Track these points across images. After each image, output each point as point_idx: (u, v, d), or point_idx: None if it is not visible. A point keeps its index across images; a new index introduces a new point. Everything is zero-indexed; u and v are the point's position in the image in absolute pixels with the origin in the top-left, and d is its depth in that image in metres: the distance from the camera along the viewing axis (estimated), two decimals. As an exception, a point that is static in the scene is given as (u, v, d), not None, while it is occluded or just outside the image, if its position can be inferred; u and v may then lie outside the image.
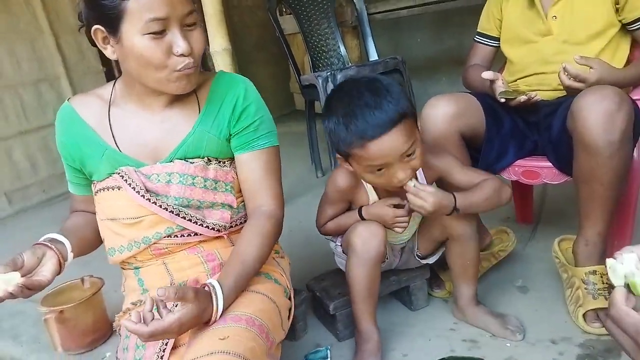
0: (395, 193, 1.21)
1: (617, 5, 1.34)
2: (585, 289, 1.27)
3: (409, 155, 1.07)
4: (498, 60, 1.63)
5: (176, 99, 1.06)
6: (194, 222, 1.04)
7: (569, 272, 1.34)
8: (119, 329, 1.12)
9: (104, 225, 1.09)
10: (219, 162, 1.08)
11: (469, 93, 1.45)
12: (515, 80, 1.48)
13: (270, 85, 4.70)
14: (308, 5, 2.77)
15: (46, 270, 0.98)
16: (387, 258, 1.34)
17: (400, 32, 3.73)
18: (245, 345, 0.86)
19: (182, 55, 0.93)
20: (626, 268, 0.71)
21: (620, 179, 1.19)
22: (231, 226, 1.10)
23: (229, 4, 4.37)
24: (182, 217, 1.03)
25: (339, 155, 1.16)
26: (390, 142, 1.03)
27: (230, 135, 1.07)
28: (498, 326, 1.28)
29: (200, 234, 1.06)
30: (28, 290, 0.94)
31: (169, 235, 1.04)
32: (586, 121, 1.14)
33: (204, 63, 4.00)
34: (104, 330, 1.53)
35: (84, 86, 3.28)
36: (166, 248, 1.06)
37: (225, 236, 1.09)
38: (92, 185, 1.11)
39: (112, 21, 0.92)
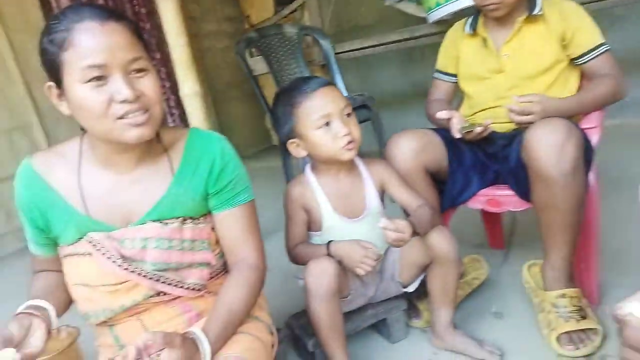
0: (349, 203, 1.34)
1: (563, 42, 1.43)
2: (556, 312, 1.30)
3: (348, 115, 1.27)
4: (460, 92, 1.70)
5: (146, 158, 1.03)
6: (173, 285, 1.02)
7: (539, 297, 1.38)
8: None
9: (75, 290, 1.04)
10: (194, 220, 1.06)
11: (431, 129, 1.51)
12: (474, 114, 1.55)
13: (246, 122, 4.77)
14: (276, 47, 2.85)
15: (36, 339, 0.90)
16: (351, 292, 1.35)
17: (369, 69, 3.85)
18: None
19: (125, 101, 0.88)
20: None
21: (578, 206, 1.24)
22: (210, 277, 1.08)
23: (201, 46, 4.46)
24: (162, 282, 1.00)
25: (292, 142, 1.31)
26: (330, 92, 1.26)
27: (208, 194, 1.06)
28: (476, 348, 1.31)
29: (179, 296, 1.04)
30: None
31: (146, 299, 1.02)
32: (538, 153, 1.20)
33: (179, 103, 4.04)
34: (80, 383, 1.48)
35: (58, 133, 3.27)
36: (142, 306, 1.03)
37: (205, 295, 1.07)
38: (59, 248, 1.06)
39: (56, 74, 0.90)
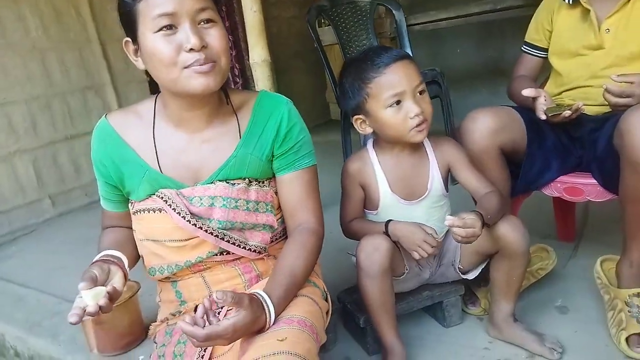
0: (408, 185, 1.28)
1: None
2: (629, 311, 1.21)
3: (420, 93, 1.18)
4: (546, 69, 1.59)
5: (216, 119, 1.05)
6: (237, 245, 1.04)
7: (611, 294, 1.29)
8: (154, 337, 1.14)
9: (144, 245, 1.08)
10: (259, 182, 1.09)
11: (511, 106, 1.41)
12: (560, 93, 1.44)
13: (307, 95, 4.75)
14: (347, 17, 2.78)
15: (116, 282, 0.95)
16: (407, 270, 1.30)
17: (440, 43, 3.69)
18: (303, 347, 0.87)
19: (192, 50, 0.90)
20: None
21: (671, 199, 1.13)
22: (271, 241, 1.11)
23: (268, 15, 4.44)
24: (226, 241, 1.03)
25: (357, 118, 1.24)
26: (404, 68, 1.17)
27: (273, 156, 1.08)
28: (536, 343, 1.24)
29: (241, 256, 1.07)
30: (109, 306, 0.91)
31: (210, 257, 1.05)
32: (635, 139, 1.09)
33: (243, 73, 4.09)
34: (138, 334, 1.55)
35: (128, 94, 3.40)
36: (205, 264, 1.07)
37: (265, 258, 1.10)
38: (130, 204, 1.11)
39: (131, 27, 0.94)
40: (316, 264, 1.22)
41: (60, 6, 3.11)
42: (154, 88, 1.07)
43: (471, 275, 1.35)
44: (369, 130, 1.26)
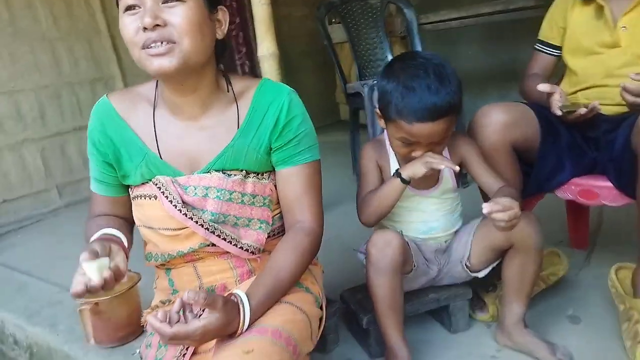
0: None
1: None
2: (646, 323, 1.16)
3: (436, 143, 1.16)
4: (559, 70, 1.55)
5: (214, 105, 1.01)
6: (228, 242, 1.00)
7: (626, 304, 1.24)
8: (146, 325, 1.11)
9: (142, 231, 1.06)
10: (258, 175, 1.04)
11: (524, 103, 1.38)
12: (575, 92, 1.40)
13: (316, 94, 4.72)
14: (357, 14, 2.75)
15: (119, 261, 0.91)
16: (415, 265, 1.26)
17: (451, 44, 3.64)
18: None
19: (145, 29, 0.87)
20: None
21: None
22: (268, 237, 1.06)
23: (279, 13, 4.43)
24: (216, 236, 0.99)
25: (378, 111, 1.21)
26: (432, 130, 1.11)
27: (271, 149, 1.03)
28: (546, 352, 1.19)
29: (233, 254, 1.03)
30: (113, 280, 0.87)
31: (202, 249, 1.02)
32: None
33: (253, 70, 4.07)
34: (137, 326, 1.52)
35: (136, 87, 3.40)
36: (197, 254, 1.04)
37: (258, 259, 1.06)
38: (130, 189, 1.07)
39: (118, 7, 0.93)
40: (316, 266, 1.19)
41: (71, -3, 3.11)
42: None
43: (481, 274, 1.31)
44: (382, 124, 1.24)
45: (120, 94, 1.07)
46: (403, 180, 1.17)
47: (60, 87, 3.11)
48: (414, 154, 1.16)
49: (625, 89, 1.18)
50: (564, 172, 1.31)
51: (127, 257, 0.96)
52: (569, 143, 1.32)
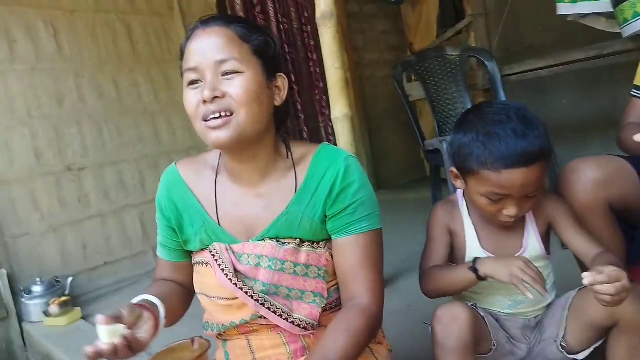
0: (500, 240, 1.13)
1: None
2: None
3: (529, 196, 1.04)
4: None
5: (272, 172, 1.00)
6: (278, 315, 0.95)
7: None
8: None
9: (200, 298, 1.06)
10: (312, 244, 0.99)
11: (622, 157, 1.22)
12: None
13: (401, 151, 4.75)
14: (435, 70, 2.72)
15: (145, 331, 0.89)
16: (495, 345, 1.11)
17: (543, 94, 3.44)
18: None
19: (205, 102, 0.90)
20: None
21: None
22: (324, 311, 0.99)
23: (361, 75, 4.55)
24: (266, 308, 0.95)
25: (453, 170, 1.12)
26: (526, 177, 1.00)
27: (326, 217, 0.98)
28: None
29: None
30: (129, 349, 0.85)
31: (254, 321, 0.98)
32: None
33: (317, 132, 4.12)
34: (206, 395, 1.50)
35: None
36: (250, 326, 1.00)
37: (311, 335, 0.99)
38: (192, 255, 1.08)
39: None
40: (381, 345, 1.09)
41: (170, 73, 3.43)
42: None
43: (580, 356, 1.12)
44: (460, 185, 1.14)
45: (187, 161, 1.10)
46: (479, 277, 1.05)
47: (159, 156, 3.37)
48: (505, 212, 1.05)
49: None
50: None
51: (158, 327, 0.93)
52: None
